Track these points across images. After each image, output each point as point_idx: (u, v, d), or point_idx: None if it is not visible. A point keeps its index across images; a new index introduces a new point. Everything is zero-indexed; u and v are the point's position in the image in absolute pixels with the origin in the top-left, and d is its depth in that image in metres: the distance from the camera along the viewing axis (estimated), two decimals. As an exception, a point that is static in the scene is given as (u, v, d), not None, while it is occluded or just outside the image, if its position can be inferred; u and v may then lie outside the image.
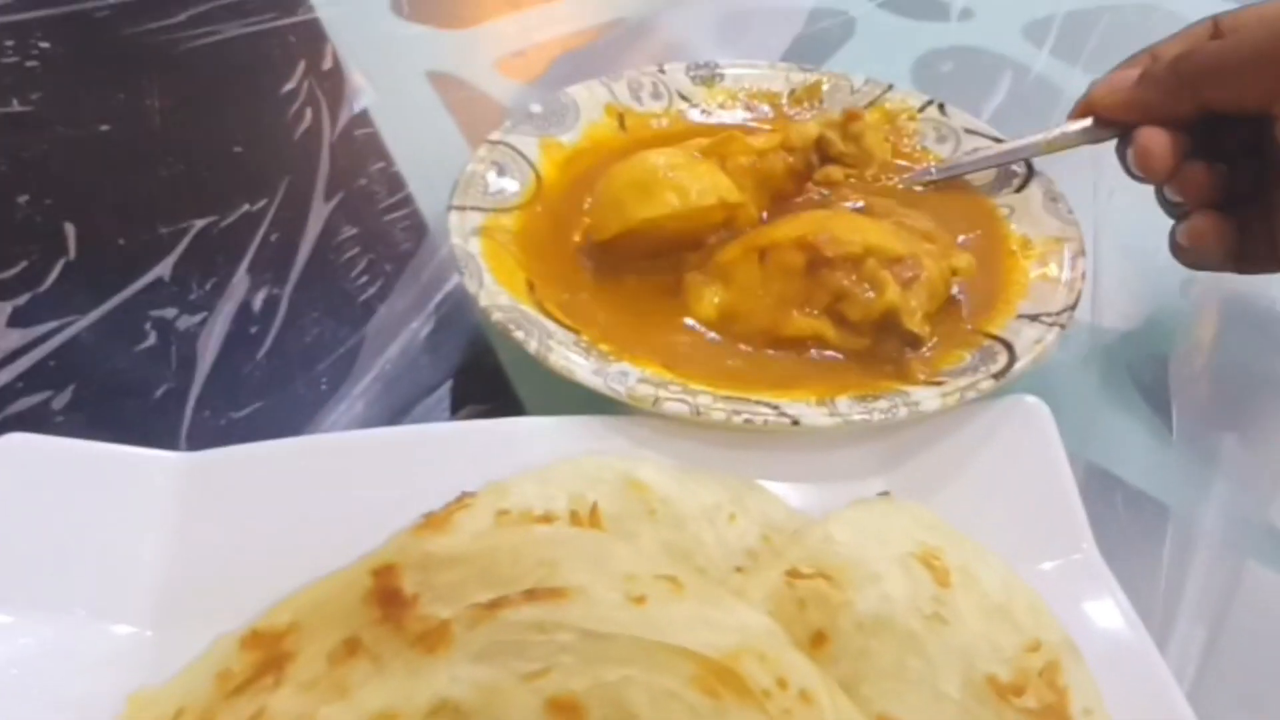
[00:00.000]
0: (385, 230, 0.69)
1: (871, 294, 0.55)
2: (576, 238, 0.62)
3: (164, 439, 0.54)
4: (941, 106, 0.70)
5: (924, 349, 0.56)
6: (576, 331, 0.56)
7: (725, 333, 0.57)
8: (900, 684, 0.42)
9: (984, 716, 0.41)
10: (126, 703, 0.41)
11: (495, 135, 0.66)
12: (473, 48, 0.87)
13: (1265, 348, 0.65)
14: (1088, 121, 0.61)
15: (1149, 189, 0.61)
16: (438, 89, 0.82)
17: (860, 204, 0.64)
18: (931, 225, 0.61)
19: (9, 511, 0.45)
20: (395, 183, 0.73)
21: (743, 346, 0.57)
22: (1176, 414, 0.60)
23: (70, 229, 0.68)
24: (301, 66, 0.84)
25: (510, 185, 0.64)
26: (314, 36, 0.88)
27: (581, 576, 0.41)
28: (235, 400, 0.58)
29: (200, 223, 0.69)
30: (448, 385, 0.59)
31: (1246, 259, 0.59)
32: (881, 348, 0.55)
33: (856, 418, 0.51)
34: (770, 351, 0.56)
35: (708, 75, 0.73)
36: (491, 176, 0.63)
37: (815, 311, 0.56)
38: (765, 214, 0.63)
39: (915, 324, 0.54)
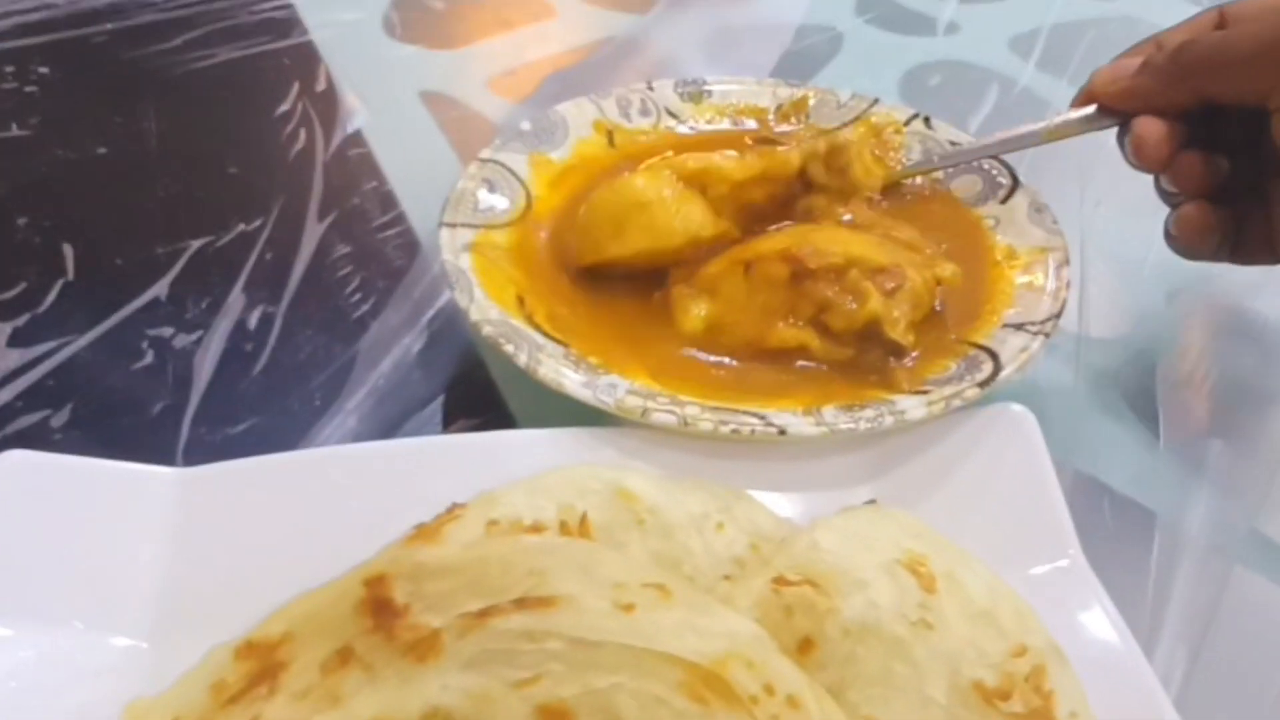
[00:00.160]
0: (378, 248, 0.70)
1: (854, 304, 0.55)
2: (565, 254, 0.63)
3: (161, 455, 0.55)
4: (927, 120, 0.70)
5: (908, 358, 0.56)
6: (566, 344, 0.56)
7: (712, 345, 0.57)
8: (887, 689, 0.42)
9: (969, 721, 0.42)
10: (124, 713, 0.41)
11: (486, 153, 0.66)
12: (464, 68, 0.88)
13: (1251, 356, 0.65)
14: (1089, 109, 0.61)
15: (1135, 199, 0.62)
16: (430, 108, 0.83)
17: (846, 216, 0.64)
18: (915, 235, 0.61)
19: (9, 527, 0.46)
20: (388, 201, 0.74)
21: (729, 358, 0.57)
22: (1163, 421, 0.60)
23: (69, 250, 0.68)
24: (296, 88, 0.84)
25: (500, 202, 0.64)
26: (308, 59, 0.88)
27: (570, 585, 0.41)
28: (231, 416, 0.58)
29: (196, 243, 0.69)
30: (440, 399, 0.59)
31: (1243, 250, 0.59)
32: (865, 357, 0.56)
33: (843, 427, 0.52)
34: (757, 362, 0.57)
35: (695, 91, 0.73)
36: (482, 193, 0.64)
37: (800, 322, 0.56)
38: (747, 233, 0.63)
39: (899, 333, 0.55)
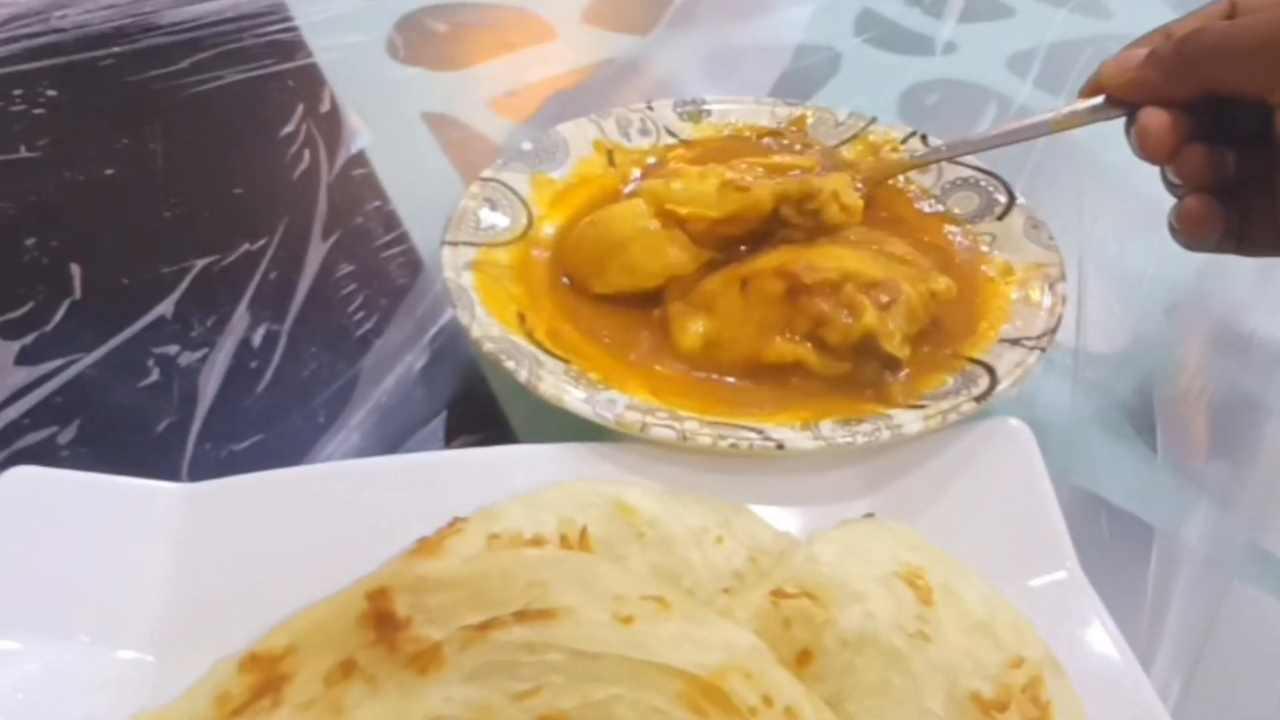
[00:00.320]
0: (381, 267, 0.70)
1: (850, 319, 0.55)
2: (563, 269, 0.64)
3: (166, 471, 0.55)
4: (924, 138, 0.71)
5: (903, 373, 0.56)
6: (566, 361, 0.57)
7: (709, 360, 0.58)
8: (885, 701, 0.42)
9: (967, 732, 0.42)
10: (129, 725, 0.42)
11: (488, 172, 0.67)
12: (467, 89, 0.88)
13: (1248, 370, 0.65)
14: (1096, 100, 0.60)
15: (1132, 215, 0.62)
16: (433, 129, 0.83)
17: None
18: (910, 250, 0.62)
19: (17, 541, 0.46)
20: (391, 221, 0.74)
21: (727, 373, 0.57)
22: (1161, 436, 0.61)
23: (76, 270, 0.69)
24: (300, 110, 0.85)
25: (502, 220, 0.65)
26: (312, 81, 0.89)
27: (570, 598, 0.41)
28: (236, 433, 0.59)
29: (201, 262, 0.70)
30: (442, 416, 0.60)
31: (1249, 242, 0.58)
32: (862, 371, 0.56)
33: (840, 441, 0.52)
34: (754, 378, 0.57)
35: (694, 111, 0.74)
36: (484, 212, 0.64)
37: (796, 337, 0.56)
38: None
39: (894, 346, 0.55)
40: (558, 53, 0.95)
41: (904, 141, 0.71)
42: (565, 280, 0.63)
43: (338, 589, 0.44)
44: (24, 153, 0.79)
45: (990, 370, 0.56)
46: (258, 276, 0.69)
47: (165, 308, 0.66)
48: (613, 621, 0.41)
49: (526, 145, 0.69)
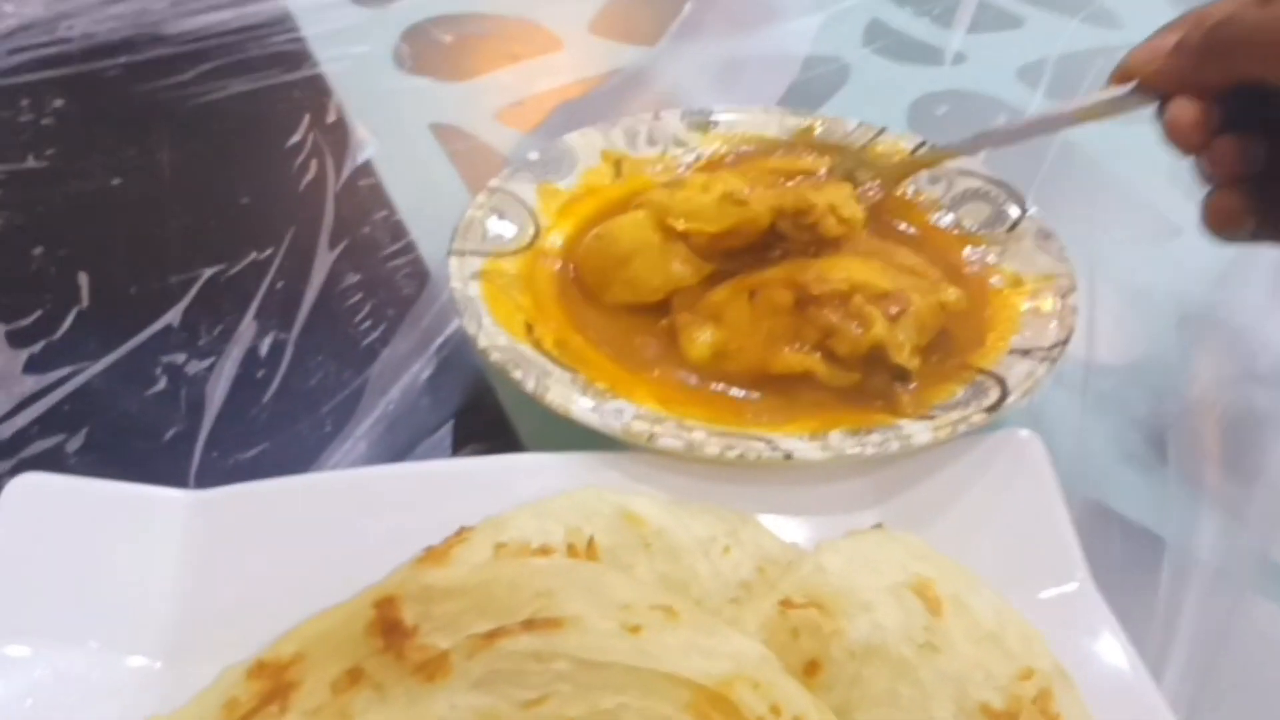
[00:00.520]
0: (388, 277, 0.70)
1: (859, 329, 0.55)
2: (572, 281, 0.64)
3: (174, 479, 0.54)
4: (933, 148, 0.71)
5: (913, 383, 0.56)
6: (573, 370, 0.57)
7: (718, 370, 0.58)
8: (893, 711, 0.42)
9: (976, 743, 0.42)
10: (138, 731, 0.42)
11: (494, 182, 0.67)
12: (473, 99, 0.88)
13: (1260, 383, 0.65)
14: (1124, 89, 0.58)
15: (1144, 226, 0.61)
16: (440, 139, 0.83)
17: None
18: (919, 261, 0.62)
19: (26, 548, 0.46)
20: (398, 231, 0.74)
21: (735, 384, 0.57)
22: (1172, 448, 0.60)
23: (83, 278, 0.69)
24: (307, 120, 0.85)
25: (509, 230, 0.65)
26: (319, 91, 0.89)
27: (578, 606, 0.41)
28: (243, 441, 0.59)
29: (209, 271, 0.70)
30: (449, 425, 0.60)
31: None
32: (871, 382, 0.56)
33: (849, 451, 0.52)
34: (762, 388, 0.57)
35: (702, 121, 0.74)
36: (491, 222, 0.64)
37: (805, 348, 0.56)
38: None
39: (903, 357, 0.55)
40: (564, 63, 0.95)
41: (913, 152, 0.70)
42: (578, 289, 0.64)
43: (345, 597, 0.44)
44: (31, 162, 0.80)
45: (1000, 381, 0.56)
46: (265, 286, 0.69)
47: (173, 316, 0.66)
48: (620, 631, 0.41)
49: (533, 155, 0.69)
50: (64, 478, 0.49)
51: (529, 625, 0.40)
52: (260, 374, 0.63)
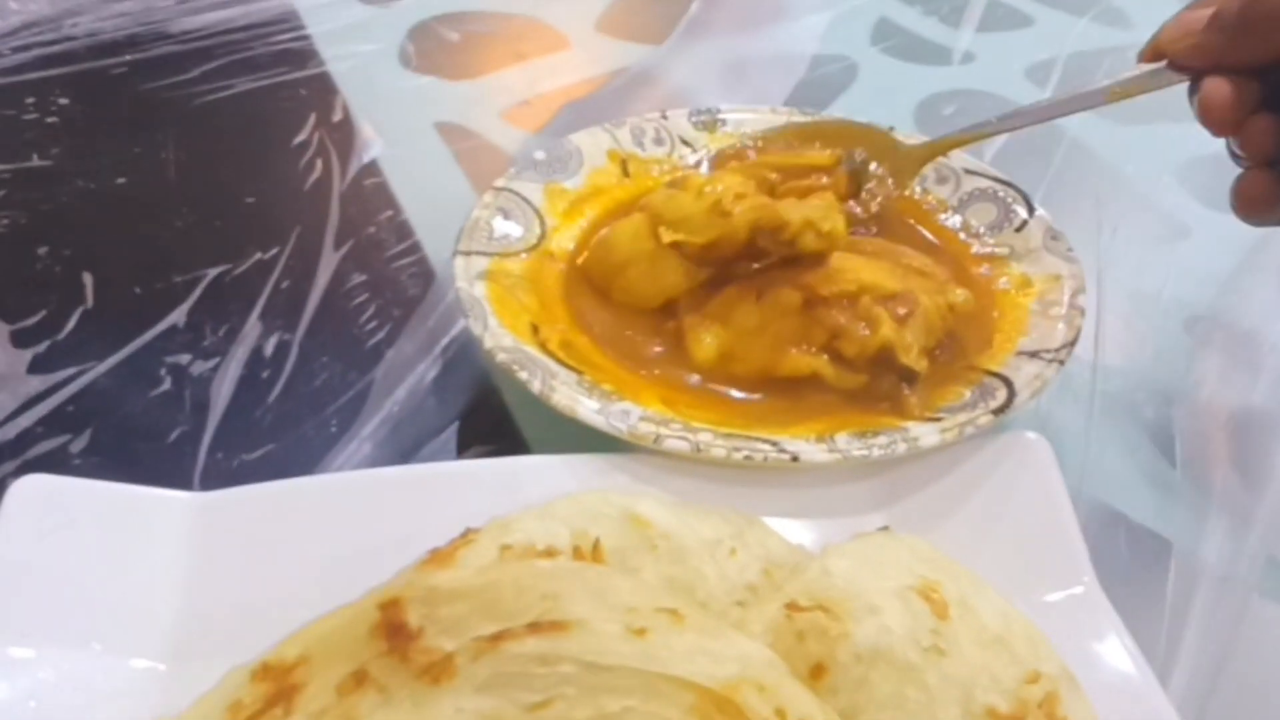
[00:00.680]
0: (393, 277, 0.70)
1: (867, 331, 0.55)
2: (578, 281, 0.64)
3: (178, 480, 0.55)
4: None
5: (920, 385, 0.56)
6: (579, 371, 0.57)
7: (724, 372, 0.58)
8: (899, 714, 0.42)
9: (983, 746, 0.42)
10: (142, 734, 0.42)
11: (500, 182, 0.67)
12: (479, 98, 0.88)
13: (1268, 385, 0.65)
14: (1156, 66, 0.57)
15: (1151, 227, 0.61)
16: (445, 139, 0.83)
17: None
18: (927, 262, 0.61)
19: (30, 550, 0.46)
20: (403, 231, 0.74)
21: (742, 385, 0.57)
22: (1179, 450, 0.60)
23: (88, 278, 0.69)
24: (312, 119, 0.85)
25: (514, 230, 0.65)
26: (324, 90, 0.89)
27: (583, 609, 0.41)
28: (247, 442, 0.59)
29: (214, 271, 0.70)
30: (454, 426, 0.60)
31: None
32: (878, 384, 0.56)
33: (856, 454, 0.52)
34: (769, 390, 0.57)
35: (709, 120, 0.74)
36: (496, 222, 0.64)
37: (813, 349, 0.56)
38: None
39: (911, 359, 0.55)
40: (571, 62, 0.95)
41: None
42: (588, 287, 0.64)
43: (350, 599, 0.44)
44: (36, 161, 0.80)
45: (1008, 383, 0.55)
46: (270, 286, 0.69)
47: (177, 317, 0.66)
48: (625, 633, 0.40)
49: (540, 155, 0.69)
50: (68, 479, 0.48)
51: (534, 628, 0.40)
52: (265, 375, 0.63)
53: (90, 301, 0.67)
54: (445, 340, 0.65)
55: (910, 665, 0.43)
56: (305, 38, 0.95)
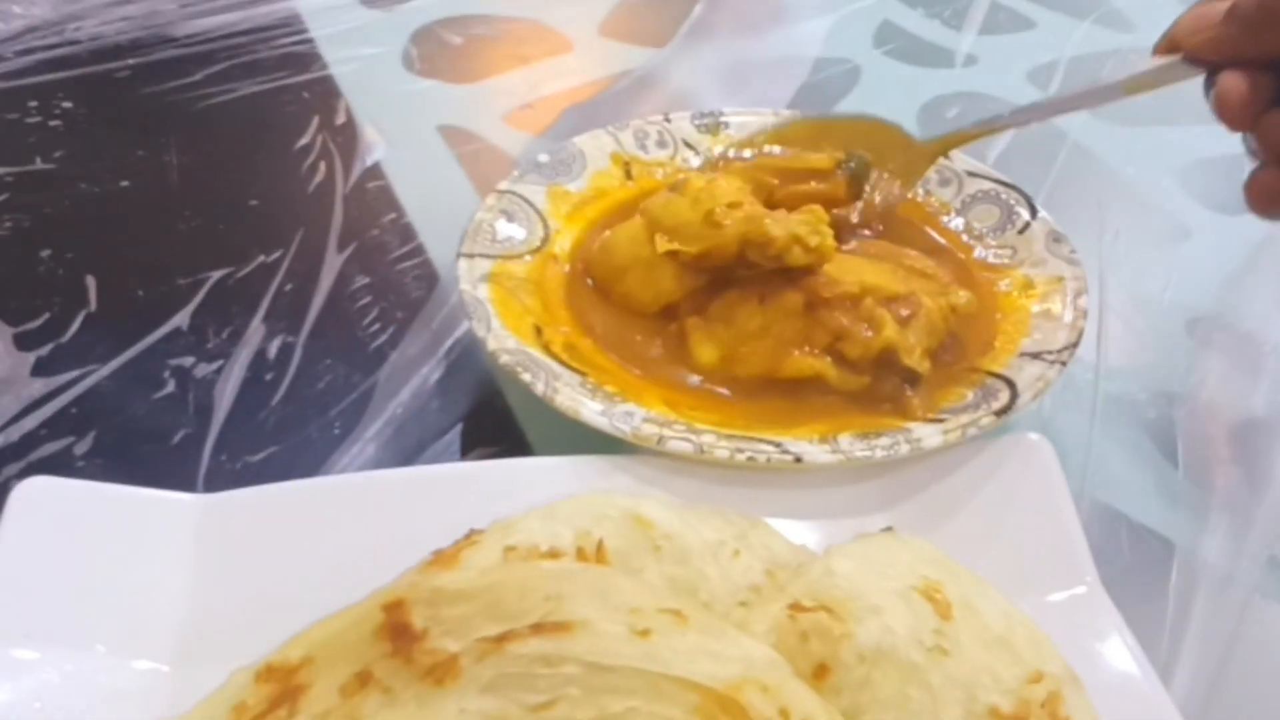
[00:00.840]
0: (397, 279, 0.70)
1: (870, 332, 0.55)
2: (581, 283, 0.64)
3: (182, 482, 0.55)
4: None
5: (922, 387, 0.56)
6: (582, 373, 0.57)
7: (727, 374, 0.58)
8: (902, 714, 0.42)
9: (986, 746, 0.42)
10: (146, 736, 0.42)
11: (504, 184, 0.67)
12: (482, 102, 0.88)
13: (1270, 385, 0.65)
14: (1171, 59, 0.56)
15: (1153, 229, 0.61)
16: (448, 142, 0.83)
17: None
18: (929, 263, 0.62)
19: (34, 552, 0.46)
20: (407, 233, 0.74)
21: (745, 386, 0.57)
22: (1181, 451, 0.60)
23: (91, 281, 0.69)
24: (315, 122, 0.85)
25: (518, 233, 0.65)
26: (328, 93, 0.89)
27: (587, 610, 0.41)
28: (251, 444, 0.59)
29: (217, 274, 0.70)
30: (458, 428, 0.60)
31: None
32: (881, 385, 0.56)
33: (859, 455, 0.52)
34: (772, 391, 0.57)
35: (712, 124, 0.74)
36: (500, 224, 0.64)
37: (815, 351, 0.56)
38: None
39: (914, 360, 0.55)
40: (574, 65, 0.95)
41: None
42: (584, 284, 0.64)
43: (354, 600, 0.44)
44: (39, 164, 0.80)
45: (1010, 384, 0.56)
46: (273, 288, 0.69)
47: (181, 319, 0.66)
48: (629, 634, 0.40)
49: (543, 157, 0.69)
50: (72, 481, 0.49)
51: (538, 629, 0.40)
52: (269, 377, 0.63)
53: (93, 304, 0.68)
54: (449, 342, 0.65)
55: (913, 665, 0.43)
56: (308, 41, 0.95)
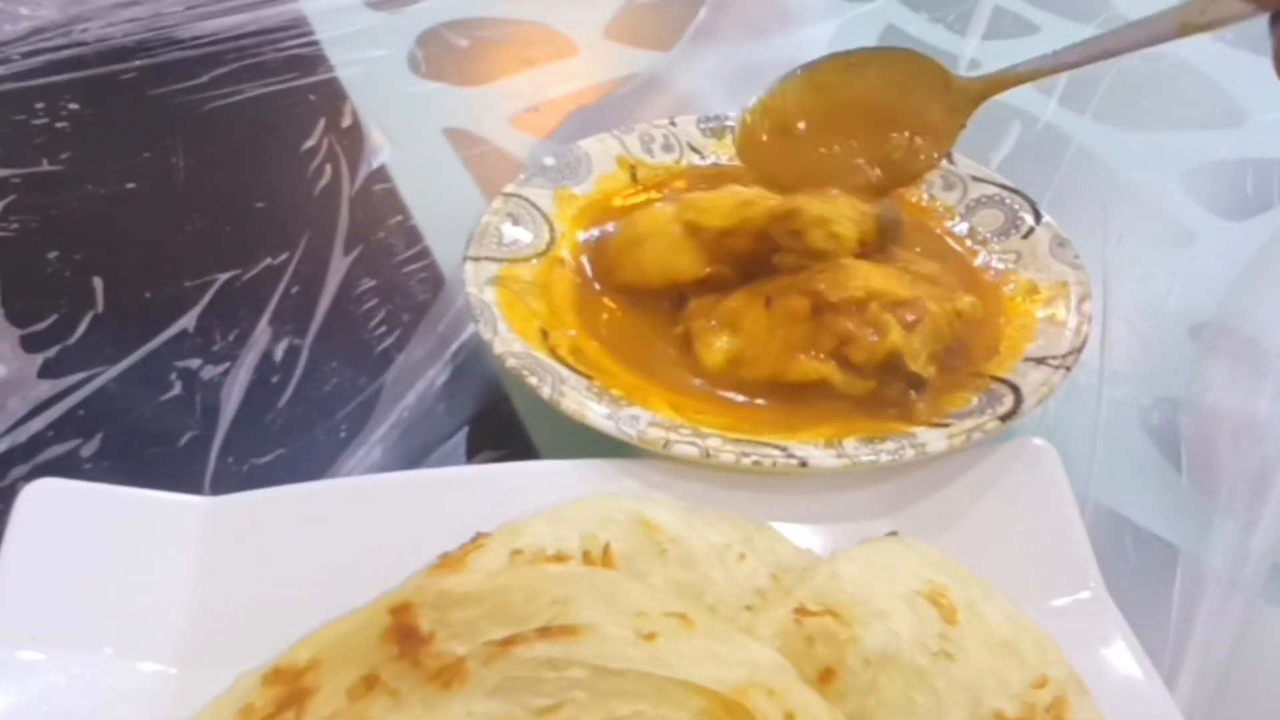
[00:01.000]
0: (403, 282, 0.70)
1: (875, 337, 0.55)
2: (588, 286, 0.64)
3: (188, 484, 0.55)
4: (949, 154, 0.70)
5: (927, 391, 0.56)
6: (589, 377, 0.57)
7: (733, 378, 0.58)
8: (907, 718, 0.42)
9: (991, 750, 0.42)
10: (152, 738, 0.42)
11: (510, 188, 0.67)
12: (488, 104, 0.89)
13: (1273, 390, 0.65)
14: None
15: (1158, 234, 0.61)
16: (454, 144, 0.83)
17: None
18: (936, 268, 0.62)
19: (41, 554, 0.46)
20: (413, 236, 0.74)
21: (751, 391, 0.57)
22: (1185, 456, 0.60)
23: (98, 283, 0.69)
24: (321, 124, 0.85)
25: (524, 236, 0.65)
26: (334, 95, 0.89)
27: (593, 614, 0.41)
28: (257, 447, 0.59)
29: (223, 276, 0.70)
30: (464, 431, 0.60)
31: None
32: (886, 390, 0.56)
33: (864, 459, 0.52)
34: (778, 395, 0.57)
35: (718, 127, 0.74)
36: (506, 227, 0.64)
37: (821, 355, 0.56)
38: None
39: (919, 365, 0.55)
40: (579, 68, 0.95)
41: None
42: (595, 285, 0.64)
43: (360, 603, 0.44)
44: (46, 166, 0.80)
45: (1015, 389, 0.56)
46: (279, 291, 0.69)
47: (187, 321, 0.67)
48: (635, 638, 0.41)
49: (549, 161, 0.69)
50: (79, 483, 0.49)
51: (544, 632, 0.41)
52: (275, 379, 0.63)
53: (100, 306, 0.68)
54: (455, 345, 0.65)
55: (918, 670, 0.43)
56: (314, 43, 0.95)
